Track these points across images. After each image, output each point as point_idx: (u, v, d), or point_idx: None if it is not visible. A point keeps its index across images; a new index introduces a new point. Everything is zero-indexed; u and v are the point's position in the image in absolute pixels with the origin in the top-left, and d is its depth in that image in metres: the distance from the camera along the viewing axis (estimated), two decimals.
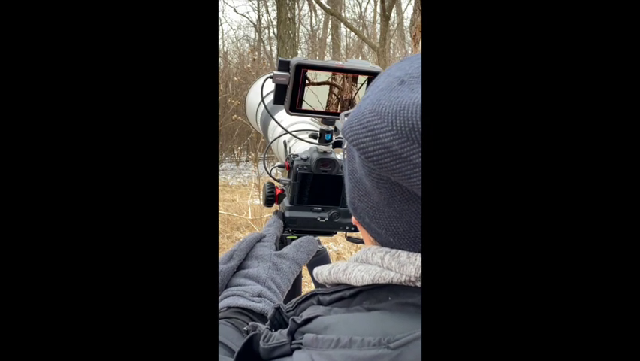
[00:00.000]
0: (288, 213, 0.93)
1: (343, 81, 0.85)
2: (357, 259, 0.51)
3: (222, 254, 0.77)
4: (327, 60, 0.93)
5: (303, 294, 0.54)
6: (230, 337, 0.63)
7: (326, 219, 0.95)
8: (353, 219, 0.55)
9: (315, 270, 0.55)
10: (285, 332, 0.47)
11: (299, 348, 0.45)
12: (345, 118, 0.63)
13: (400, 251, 0.46)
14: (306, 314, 0.47)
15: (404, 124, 0.40)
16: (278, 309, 0.55)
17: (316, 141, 0.93)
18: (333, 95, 0.86)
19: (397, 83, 0.44)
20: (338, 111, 0.88)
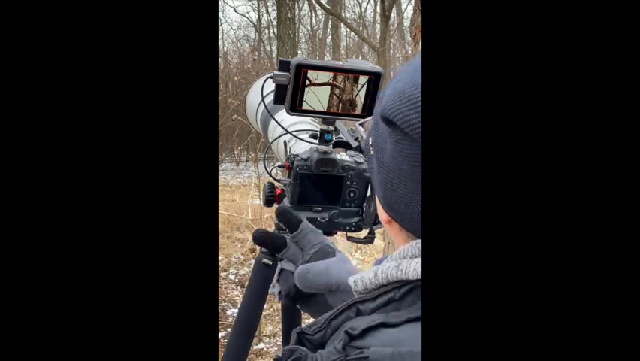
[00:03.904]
0: None
1: (344, 82, 0.85)
2: (407, 255, 0.48)
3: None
4: (328, 60, 0.93)
5: (334, 309, 0.50)
6: None
7: (326, 219, 0.95)
8: (384, 218, 0.52)
9: (352, 279, 0.52)
10: (333, 349, 0.44)
11: None
12: (361, 127, 0.62)
13: None
14: (362, 324, 0.44)
15: None
16: (300, 333, 0.51)
17: (316, 141, 0.93)
18: (334, 96, 0.86)
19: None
20: (339, 112, 0.88)
